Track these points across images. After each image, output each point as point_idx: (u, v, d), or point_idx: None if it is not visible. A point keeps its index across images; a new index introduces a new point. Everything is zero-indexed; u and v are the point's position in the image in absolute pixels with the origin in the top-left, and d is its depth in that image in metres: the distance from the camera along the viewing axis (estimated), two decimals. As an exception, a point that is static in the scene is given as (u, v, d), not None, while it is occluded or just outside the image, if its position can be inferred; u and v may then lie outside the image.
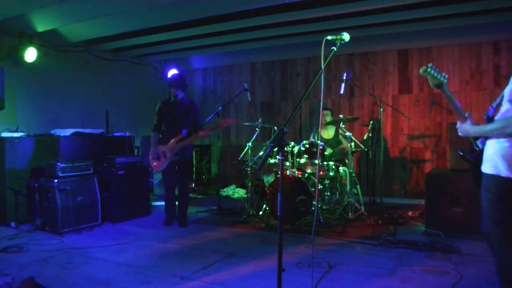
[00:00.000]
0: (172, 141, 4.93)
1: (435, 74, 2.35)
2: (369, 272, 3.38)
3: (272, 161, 5.48)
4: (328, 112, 6.24)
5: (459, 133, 2.49)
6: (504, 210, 2.27)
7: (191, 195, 7.53)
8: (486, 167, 2.33)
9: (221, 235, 4.76)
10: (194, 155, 8.15)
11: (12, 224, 4.98)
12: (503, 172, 2.22)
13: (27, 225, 4.99)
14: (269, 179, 6.28)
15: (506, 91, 2.28)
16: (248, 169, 5.63)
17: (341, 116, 5.82)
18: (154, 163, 5.02)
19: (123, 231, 4.94)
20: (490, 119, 2.41)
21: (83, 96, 7.03)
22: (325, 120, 6.10)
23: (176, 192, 5.34)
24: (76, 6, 4.99)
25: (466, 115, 2.44)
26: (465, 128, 2.42)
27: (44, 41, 6.27)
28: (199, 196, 7.48)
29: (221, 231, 4.94)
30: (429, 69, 2.33)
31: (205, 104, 8.88)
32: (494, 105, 2.45)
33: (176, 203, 5.29)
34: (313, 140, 5.54)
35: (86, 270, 3.57)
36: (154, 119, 5.17)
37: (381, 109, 5.27)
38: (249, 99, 6.22)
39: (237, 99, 7.91)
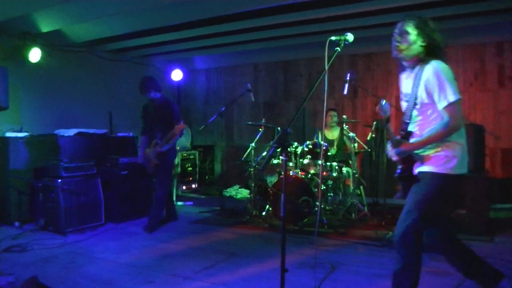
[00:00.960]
0: (151, 145, 5.03)
1: (387, 111, 2.60)
2: (372, 273, 3.37)
3: (275, 161, 5.48)
4: (335, 113, 6.24)
5: (397, 157, 2.46)
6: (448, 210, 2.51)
7: (193, 195, 7.55)
8: (436, 168, 2.35)
9: (223, 235, 4.76)
10: (197, 155, 8.16)
11: (16, 223, 4.99)
12: (455, 170, 2.33)
13: (31, 224, 5.01)
14: (272, 179, 6.28)
15: (421, 95, 2.35)
16: (251, 169, 5.63)
17: (344, 116, 5.81)
18: (146, 166, 5.21)
19: (126, 231, 4.95)
20: (408, 133, 2.46)
21: (86, 96, 7.05)
22: (333, 121, 6.10)
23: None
24: (79, 7, 5.00)
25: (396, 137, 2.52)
26: (406, 147, 2.40)
27: (47, 41, 6.29)
28: (202, 197, 7.48)
29: (224, 231, 4.94)
30: (383, 103, 2.60)
31: (208, 104, 8.89)
32: (407, 119, 2.47)
33: (176, 202, 5.33)
34: (317, 140, 5.53)
35: (88, 270, 3.58)
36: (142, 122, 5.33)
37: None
38: (252, 99, 6.22)
39: (240, 100, 7.88)
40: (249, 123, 6.19)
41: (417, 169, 2.44)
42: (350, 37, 2.36)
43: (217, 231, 4.96)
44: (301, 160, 5.25)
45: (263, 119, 6.00)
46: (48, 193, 4.85)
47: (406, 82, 2.53)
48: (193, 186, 7.92)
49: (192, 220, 5.49)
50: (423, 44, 2.37)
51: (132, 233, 4.88)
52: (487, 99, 6.36)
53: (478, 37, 6.26)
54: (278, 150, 2.24)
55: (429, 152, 2.36)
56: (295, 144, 5.29)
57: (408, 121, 2.42)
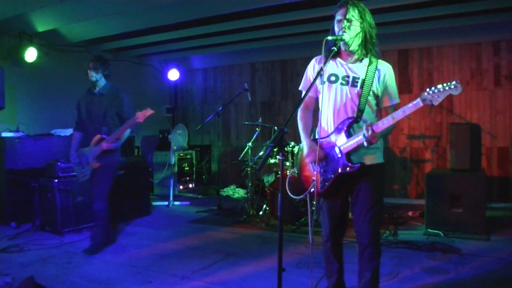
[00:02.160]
0: (92, 142, 4.13)
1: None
2: (369, 272, 3.38)
3: (272, 161, 5.47)
4: None
5: (369, 144, 2.28)
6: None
7: (190, 195, 7.54)
8: (375, 158, 2.45)
9: (221, 235, 4.76)
10: (194, 155, 8.15)
11: (12, 224, 4.97)
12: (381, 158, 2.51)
13: (27, 225, 4.98)
14: (269, 179, 6.28)
15: (380, 88, 2.42)
16: (248, 169, 5.63)
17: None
18: (78, 171, 4.20)
19: (123, 231, 4.94)
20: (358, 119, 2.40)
21: (83, 96, 7.03)
22: None
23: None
24: (76, 6, 4.99)
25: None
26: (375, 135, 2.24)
27: (44, 41, 6.27)
28: (199, 196, 7.48)
29: (221, 231, 4.94)
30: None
31: (205, 104, 8.89)
32: (362, 107, 2.40)
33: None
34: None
35: (86, 270, 3.57)
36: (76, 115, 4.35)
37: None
38: (249, 99, 6.22)
39: (237, 99, 7.90)
40: (246, 123, 6.19)
41: (360, 162, 2.39)
42: (346, 37, 2.36)
43: (214, 230, 4.96)
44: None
45: (260, 118, 6.00)
46: (44, 193, 4.83)
47: (348, 66, 2.45)
48: (190, 185, 7.91)
49: (190, 220, 5.49)
50: (364, 34, 2.39)
51: (129, 232, 4.88)
52: (483, 98, 6.39)
53: (474, 36, 6.27)
54: (275, 149, 2.22)
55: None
56: (292, 143, 5.29)
57: (361, 108, 2.39)
